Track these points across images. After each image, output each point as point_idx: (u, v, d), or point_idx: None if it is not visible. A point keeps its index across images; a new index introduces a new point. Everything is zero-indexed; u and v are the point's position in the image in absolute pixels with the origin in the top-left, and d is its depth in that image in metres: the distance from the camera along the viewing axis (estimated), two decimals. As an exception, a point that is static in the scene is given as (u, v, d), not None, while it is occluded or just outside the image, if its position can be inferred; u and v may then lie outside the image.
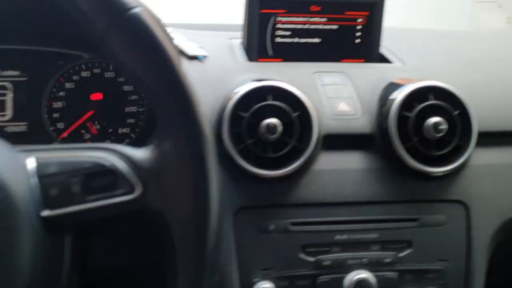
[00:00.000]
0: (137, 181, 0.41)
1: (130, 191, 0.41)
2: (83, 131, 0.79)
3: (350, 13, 0.86)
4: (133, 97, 0.82)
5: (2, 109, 0.77)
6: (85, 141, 0.79)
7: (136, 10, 0.41)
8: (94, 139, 0.80)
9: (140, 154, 0.42)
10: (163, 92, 0.41)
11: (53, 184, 0.40)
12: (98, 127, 0.80)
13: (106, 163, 0.41)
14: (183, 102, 0.41)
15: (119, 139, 0.81)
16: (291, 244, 0.64)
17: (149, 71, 0.41)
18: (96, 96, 0.81)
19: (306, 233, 0.64)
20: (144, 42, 0.41)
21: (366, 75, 0.76)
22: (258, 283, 0.62)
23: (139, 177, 0.41)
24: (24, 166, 0.40)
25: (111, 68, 0.82)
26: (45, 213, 0.39)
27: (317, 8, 0.86)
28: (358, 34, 0.87)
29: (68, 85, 0.80)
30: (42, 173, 0.40)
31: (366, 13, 0.86)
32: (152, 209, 0.41)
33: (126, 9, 0.40)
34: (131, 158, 0.42)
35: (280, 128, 0.63)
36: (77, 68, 0.81)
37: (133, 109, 0.82)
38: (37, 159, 0.40)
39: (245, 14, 0.85)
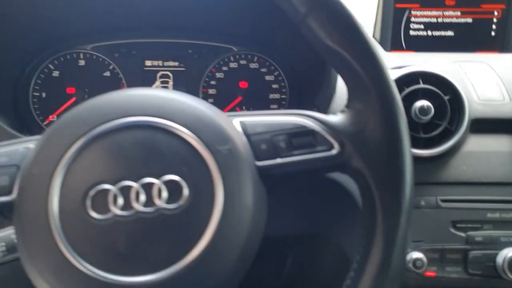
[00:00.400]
0: (334, 141, 0.46)
1: (329, 149, 0.46)
2: (233, 115, 0.88)
3: (486, 6, 0.88)
4: (275, 86, 0.89)
5: (165, 94, 0.87)
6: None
7: None
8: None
9: (333, 118, 0.48)
10: (359, 63, 0.46)
11: (262, 141, 0.46)
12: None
13: (306, 125, 0.47)
14: (376, 70, 0.45)
15: (264, 124, 0.88)
16: (442, 219, 0.67)
17: (346, 43, 0.46)
18: (243, 84, 0.89)
19: (456, 210, 0.67)
20: (343, 20, 0.46)
21: (508, 64, 0.78)
22: (409, 253, 0.66)
23: (335, 137, 0.46)
24: (235, 125, 0.47)
25: (255, 60, 0.90)
26: (258, 163, 0.45)
27: (452, 2, 0.89)
28: (494, 27, 0.89)
29: (218, 75, 0.89)
30: (251, 132, 0.46)
31: (502, 6, 0.88)
32: (350, 166, 0.46)
33: None
34: (326, 121, 0.47)
35: (432, 110, 0.67)
36: (226, 59, 0.89)
37: (276, 96, 0.89)
38: (243, 122, 0.47)
39: (379, 8, 0.90)
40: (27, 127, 0.82)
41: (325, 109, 0.73)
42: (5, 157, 0.44)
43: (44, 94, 0.84)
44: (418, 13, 0.90)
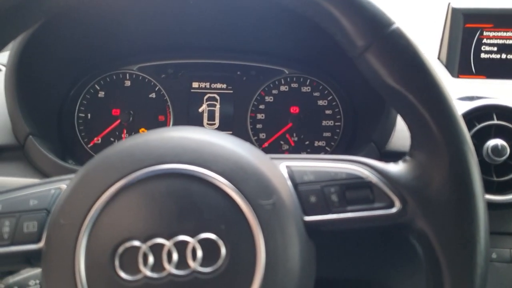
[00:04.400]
0: (395, 196, 0.40)
1: (389, 206, 0.40)
2: (282, 142, 0.83)
3: None
4: (328, 112, 0.83)
5: (212, 118, 0.83)
6: (283, 151, 0.82)
7: (395, 26, 0.40)
8: (292, 150, 0.82)
9: (393, 168, 0.41)
10: (427, 108, 0.39)
11: (311, 192, 0.41)
12: (296, 139, 0.83)
13: (362, 175, 0.41)
14: (446, 117, 0.39)
15: (315, 152, 0.82)
16: (517, 276, 0.59)
17: (411, 84, 0.40)
18: (294, 110, 0.83)
19: (535, 267, 0.58)
20: (408, 57, 0.40)
21: None
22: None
23: (396, 192, 0.40)
24: (281, 173, 0.41)
25: (307, 83, 0.84)
26: (307, 218, 0.40)
27: (531, 22, 0.80)
28: None
29: (267, 99, 0.84)
30: (298, 181, 0.41)
31: None
32: (413, 227, 0.40)
33: (388, 25, 0.40)
34: (385, 172, 0.41)
35: (507, 150, 0.59)
36: (277, 82, 0.84)
37: (329, 123, 0.83)
38: (289, 167, 0.42)
39: (447, 28, 0.82)
40: (70, 150, 0.80)
41: (383, 145, 0.67)
42: (35, 200, 0.41)
43: (89, 116, 0.82)
44: (491, 33, 0.81)
